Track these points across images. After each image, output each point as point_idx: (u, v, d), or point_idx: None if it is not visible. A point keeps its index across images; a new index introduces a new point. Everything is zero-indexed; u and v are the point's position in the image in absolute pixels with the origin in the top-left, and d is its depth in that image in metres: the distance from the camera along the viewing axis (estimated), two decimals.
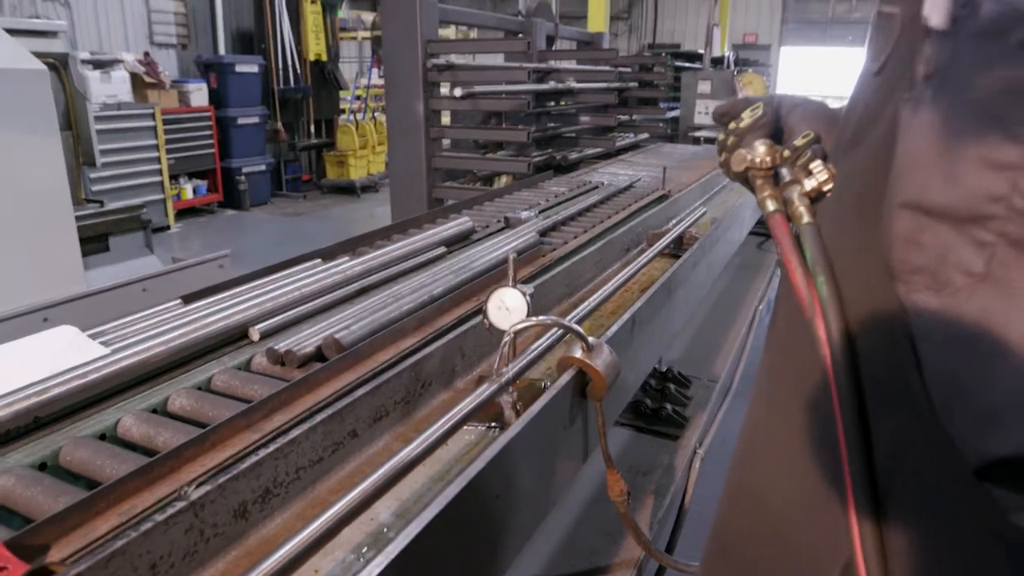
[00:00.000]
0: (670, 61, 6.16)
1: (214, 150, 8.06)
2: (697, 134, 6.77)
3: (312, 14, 9.06)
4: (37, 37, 3.40)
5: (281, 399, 1.04)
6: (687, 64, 10.65)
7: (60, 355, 1.19)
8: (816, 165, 0.62)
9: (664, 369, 2.31)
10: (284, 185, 9.37)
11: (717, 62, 10.15)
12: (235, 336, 1.36)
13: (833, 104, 0.78)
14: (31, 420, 1.03)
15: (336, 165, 9.64)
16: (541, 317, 1.02)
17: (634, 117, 5.48)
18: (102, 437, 1.03)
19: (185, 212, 7.95)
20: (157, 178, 6.99)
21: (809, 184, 0.62)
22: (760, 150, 0.64)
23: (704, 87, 7.49)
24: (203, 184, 8.13)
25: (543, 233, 2.13)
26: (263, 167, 8.71)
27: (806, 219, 0.59)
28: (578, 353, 1.05)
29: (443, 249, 1.95)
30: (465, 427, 0.97)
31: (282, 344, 1.26)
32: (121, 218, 3.11)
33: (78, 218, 2.85)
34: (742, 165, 0.66)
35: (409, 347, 1.29)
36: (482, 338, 1.29)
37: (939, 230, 0.44)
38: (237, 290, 1.55)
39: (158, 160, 6.97)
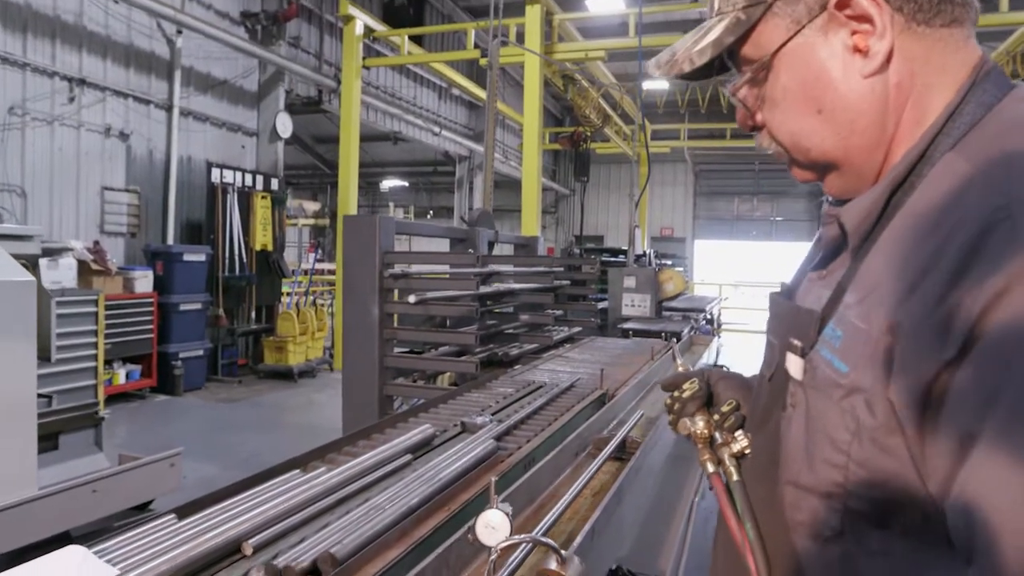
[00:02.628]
0: (598, 262, 6.82)
1: (153, 335, 8.08)
2: (625, 326, 7.26)
3: (262, 208, 9.58)
4: (13, 240, 3.58)
5: None
6: (612, 259, 11.60)
7: None
8: (739, 434, 0.88)
9: (615, 567, 2.44)
10: (220, 369, 9.32)
11: (640, 258, 11.10)
12: (230, 550, 1.47)
13: (747, 375, 1.05)
14: None
15: (275, 350, 9.71)
16: (523, 535, 1.20)
17: (568, 314, 5.93)
18: None
19: (115, 397, 7.75)
20: (91, 364, 6.91)
21: (736, 447, 0.87)
22: (700, 424, 0.89)
23: (629, 282, 8.16)
24: (137, 369, 8.03)
25: (498, 438, 2.33)
26: (201, 352, 8.72)
27: (735, 477, 0.83)
28: (553, 565, 1.23)
29: (409, 456, 2.12)
30: None
31: (279, 559, 1.38)
32: (74, 416, 3.14)
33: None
34: (685, 432, 0.91)
35: (395, 558, 1.43)
36: (463, 548, 1.44)
37: (810, 500, 0.68)
38: (227, 503, 1.66)
39: (95, 346, 6.92)
